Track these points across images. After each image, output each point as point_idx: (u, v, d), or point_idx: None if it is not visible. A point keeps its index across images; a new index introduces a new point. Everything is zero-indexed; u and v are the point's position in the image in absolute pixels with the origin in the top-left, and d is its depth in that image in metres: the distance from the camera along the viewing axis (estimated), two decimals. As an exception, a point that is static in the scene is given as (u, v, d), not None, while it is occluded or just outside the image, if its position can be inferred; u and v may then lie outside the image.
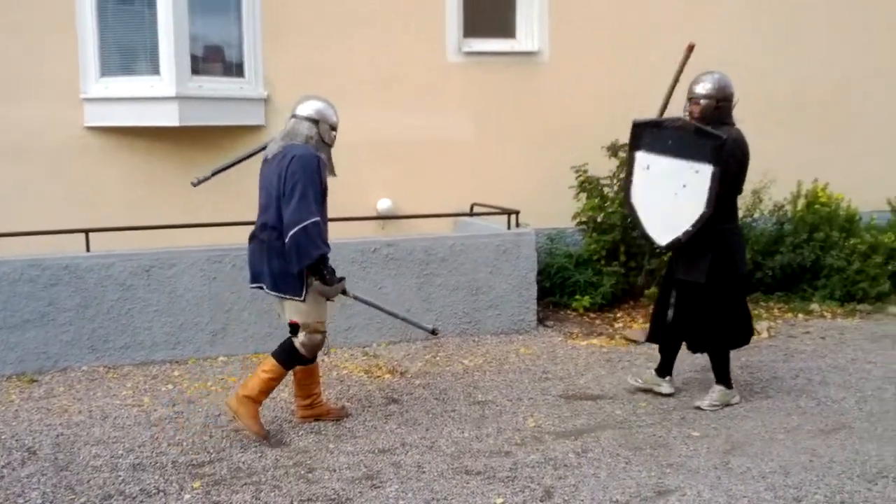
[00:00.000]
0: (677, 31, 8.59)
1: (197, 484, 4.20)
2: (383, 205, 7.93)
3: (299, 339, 4.71)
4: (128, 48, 7.41)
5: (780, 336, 6.91)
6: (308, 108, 4.77)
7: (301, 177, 4.49)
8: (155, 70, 7.23)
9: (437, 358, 6.36)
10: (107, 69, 7.32)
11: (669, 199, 4.95)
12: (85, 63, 7.23)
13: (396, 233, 7.64)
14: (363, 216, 7.55)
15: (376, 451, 4.61)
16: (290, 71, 7.49)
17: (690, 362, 6.19)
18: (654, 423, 5.02)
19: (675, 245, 5.06)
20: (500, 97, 8.26)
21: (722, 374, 5.30)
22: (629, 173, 5.19)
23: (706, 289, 5.07)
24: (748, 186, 7.97)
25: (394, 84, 7.95)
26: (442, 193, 8.01)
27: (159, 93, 7.17)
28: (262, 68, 7.62)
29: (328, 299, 4.80)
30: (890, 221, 8.77)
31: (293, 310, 4.69)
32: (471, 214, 7.85)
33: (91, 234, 6.35)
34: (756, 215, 8.17)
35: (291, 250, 4.48)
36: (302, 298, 4.62)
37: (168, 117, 7.19)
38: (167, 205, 7.24)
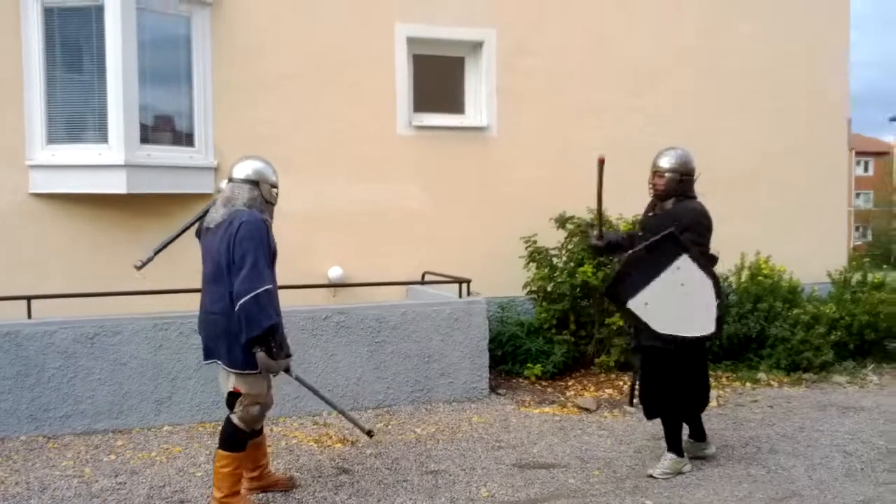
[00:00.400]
0: (619, 109, 8.96)
1: (139, 558, 4.03)
2: (335, 273, 7.91)
3: (237, 414, 4.49)
4: (76, 116, 7.37)
5: (729, 405, 6.97)
6: (246, 170, 4.58)
7: (251, 245, 4.32)
8: (103, 138, 7.19)
9: (389, 427, 6.26)
10: (54, 136, 7.27)
11: (684, 301, 5.01)
12: (31, 130, 7.17)
13: (348, 300, 7.61)
14: (314, 284, 7.51)
15: (327, 522, 4.49)
16: (240, 140, 7.52)
17: (643, 430, 6.21)
18: (607, 491, 4.98)
19: (719, 330, 5.15)
20: (450, 170, 8.40)
21: (673, 442, 5.31)
22: (638, 323, 5.12)
23: (672, 354, 5.13)
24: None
25: (345, 154, 8.04)
26: (393, 262, 8.04)
27: (107, 160, 7.12)
28: (213, 137, 7.65)
29: (259, 372, 4.50)
30: (830, 293, 9.02)
31: (240, 380, 4.48)
32: (422, 283, 7.87)
33: (33, 301, 6.19)
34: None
35: (241, 320, 4.27)
36: (258, 371, 4.42)
37: (116, 185, 7.14)
38: (112, 272, 7.12)
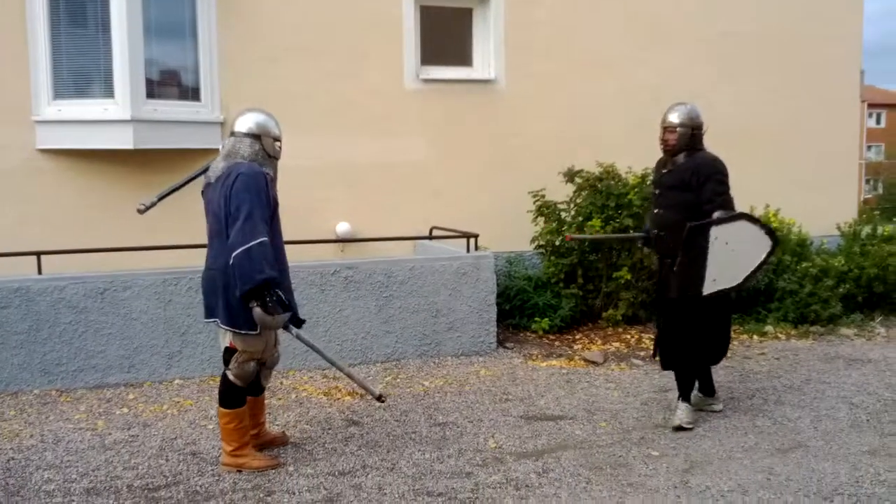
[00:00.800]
0: (628, 61, 8.84)
1: (153, 508, 4.11)
2: (342, 228, 7.91)
3: (232, 371, 4.48)
4: (81, 71, 7.33)
5: (736, 357, 7.00)
6: (248, 123, 4.51)
7: (246, 196, 4.25)
8: (109, 93, 7.16)
9: (398, 380, 6.32)
10: (60, 92, 7.23)
11: (739, 254, 5.12)
12: (37, 86, 7.14)
13: (356, 256, 7.63)
14: (322, 239, 7.53)
15: (336, 473, 4.55)
16: (247, 95, 7.46)
17: (649, 383, 6.25)
18: (613, 442, 5.04)
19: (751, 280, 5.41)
20: (457, 123, 8.34)
21: (686, 393, 5.38)
22: (723, 293, 5.23)
23: (697, 304, 5.18)
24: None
25: (352, 109, 7.98)
26: (401, 217, 8.04)
27: (113, 116, 7.10)
28: (219, 92, 7.59)
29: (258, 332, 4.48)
30: (839, 246, 8.99)
31: (237, 337, 4.45)
32: (430, 238, 7.88)
33: (43, 257, 6.23)
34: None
35: (234, 273, 4.22)
36: (258, 332, 4.41)
37: (122, 140, 7.12)
38: (121, 227, 7.14)
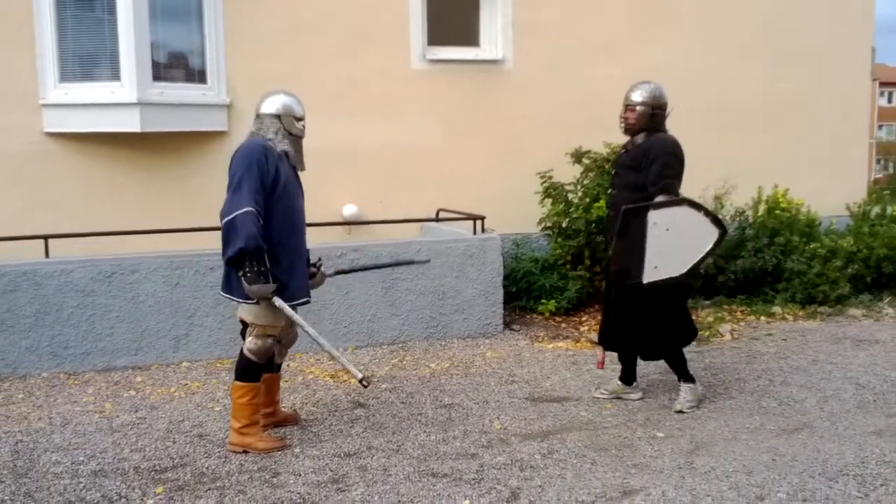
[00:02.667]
0: (636, 42, 8.78)
1: (160, 489, 4.13)
2: (349, 210, 7.91)
3: (247, 345, 4.54)
4: (88, 54, 7.32)
5: (743, 338, 6.99)
6: (270, 105, 4.64)
7: (239, 167, 4.37)
8: (115, 76, 7.14)
9: (404, 362, 6.34)
10: (66, 75, 7.22)
11: (680, 241, 4.89)
12: (43, 69, 7.13)
13: (362, 238, 7.62)
14: (329, 222, 7.53)
15: (342, 454, 4.57)
16: (253, 77, 7.45)
17: (654, 365, 6.23)
18: (619, 424, 5.04)
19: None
20: (464, 104, 8.30)
21: (682, 372, 5.33)
22: (666, 283, 4.97)
23: (648, 292, 5.00)
24: (709, 192, 8.18)
25: (358, 90, 7.95)
26: (408, 199, 8.02)
27: (120, 99, 7.09)
28: (225, 75, 7.57)
29: (256, 302, 4.51)
30: (848, 226, 8.94)
31: (244, 308, 4.55)
32: (437, 220, 7.86)
33: (50, 241, 6.25)
34: (718, 220, 8.28)
35: (222, 241, 4.36)
36: (255, 301, 4.45)
37: (129, 123, 7.11)
38: (128, 211, 7.16)
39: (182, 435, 4.86)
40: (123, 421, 5.09)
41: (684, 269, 4.96)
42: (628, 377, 5.52)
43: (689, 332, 5.41)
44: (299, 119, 4.70)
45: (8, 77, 7.01)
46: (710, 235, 4.98)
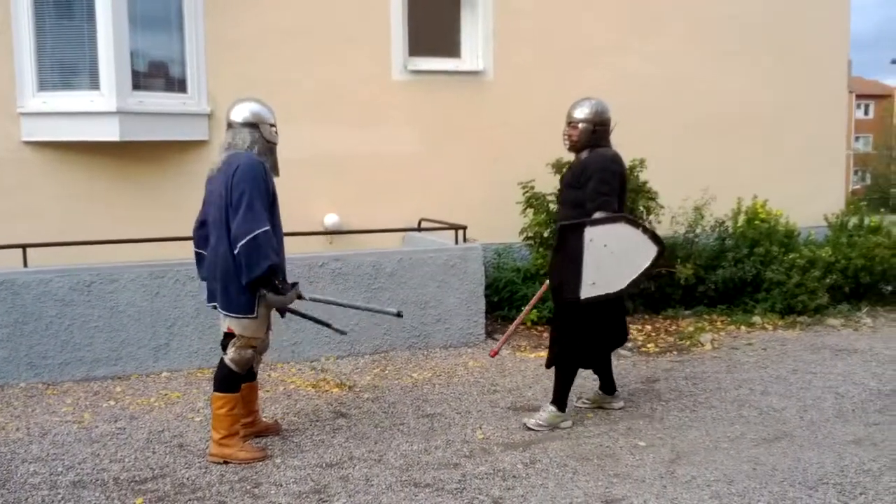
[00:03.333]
0: (618, 51, 8.84)
1: (139, 501, 4.09)
2: (330, 220, 7.89)
3: (229, 355, 4.54)
4: (67, 63, 7.27)
5: (724, 348, 7.03)
6: (243, 113, 4.61)
7: (247, 186, 4.34)
8: (95, 85, 7.10)
9: (386, 372, 6.32)
10: (45, 84, 7.17)
11: (617, 258, 4.87)
12: (22, 77, 7.08)
13: (344, 248, 7.60)
14: (310, 231, 7.51)
15: (324, 465, 4.55)
16: (234, 86, 7.40)
17: (636, 374, 6.27)
18: (601, 433, 5.05)
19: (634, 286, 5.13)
20: (446, 114, 8.32)
21: (560, 396, 5.15)
22: (602, 299, 4.97)
23: (580, 305, 4.95)
24: (689, 203, 8.24)
25: (340, 101, 7.95)
26: (389, 209, 8.01)
27: (99, 107, 7.05)
28: (206, 84, 7.55)
29: (283, 311, 4.73)
30: (827, 237, 9.03)
31: (234, 322, 4.53)
32: (418, 230, 7.86)
33: (28, 250, 6.19)
34: (698, 230, 8.35)
35: (241, 262, 4.33)
36: (255, 316, 4.49)
37: (108, 132, 7.07)
38: (107, 220, 7.11)
39: (162, 445, 4.81)
40: (102, 431, 5.04)
41: (622, 286, 4.94)
42: (608, 386, 5.53)
43: (619, 337, 5.38)
44: (272, 125, 4.71)
45: (-14, 85, 6.95)
46: (648, 252, 4.93)
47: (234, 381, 4.58)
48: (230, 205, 4.38)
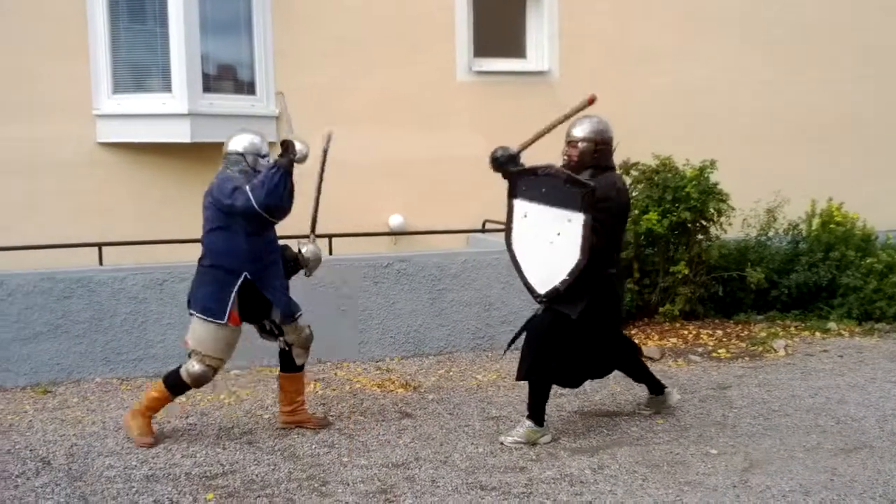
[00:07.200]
0: (684, 52, 8.68)
1: (210, 496, 4.15)
2: (395, 221, 7.91)
3: (186, 366, 4.75)
4: (140, 66, 7.44)
5: (798, 354, 6.83)
6: (236, 144, 4.89)
7: (225, 192, 4.73)
8: (167, 87, 7.26)
9: (451, 373, 6.31)
10: (119, 86, 7.35)
11: (546, 247, 4.72)
12: (97, 80, 7.27)
13: (409, 249, 7.62)
14: (375, 232, 7.54)
15: (390, 465, 4.55)
16: (301, 89, 7.51)
17: (707, 380, 6.14)
18: (671, 440, 4.95)
19: (553, 295, 4.75)
20: (510, 115, 8.24)
21: (535, 410, 4.91)
22: (509, 220, 4.95)
23: (569, 323, 4.76)
24: (761, 205, 8.04)
25: (404, 102, 7.97)
26: (454, 210, 7.99)
27: (171, 110, 7.19)
28: (273, 86, 7.63)
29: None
30: (906, 241, 8.71)
31: (192, 332, 4.77)
32: (483, 231, 7.83)
33: (104, 248, 6.36)
34: (770, 234, 8.15)
35: (273, 185, 4.62)
36: (224, 321, 4.68)
37: (180, 134, 7.21)
38: (178, 219, 7.21)
39: (232, 441, 4.88)
40: (175, 426, 5.13)
41: (573, 262, 4.60)
42: (654, 387, 5.36)
43: (577, 376, 5.05)
44: (263, 156, 4.91)
45: (63, 88, 7.14)
46: (572, 201, 4.61)
47: (178, 387, 4.82)
48: (218, 215, 4.79)
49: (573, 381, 5.10)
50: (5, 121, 7.06)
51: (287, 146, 4.72)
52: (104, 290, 6.07)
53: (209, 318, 4.69)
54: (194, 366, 4.73)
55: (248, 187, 4.64)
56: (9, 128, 7.05)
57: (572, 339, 4.82)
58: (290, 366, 5.01)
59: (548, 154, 5.25)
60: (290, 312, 4.89)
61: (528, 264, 4.88)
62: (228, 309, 4.68)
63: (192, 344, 4.76)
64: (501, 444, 4.88)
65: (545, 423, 4.96)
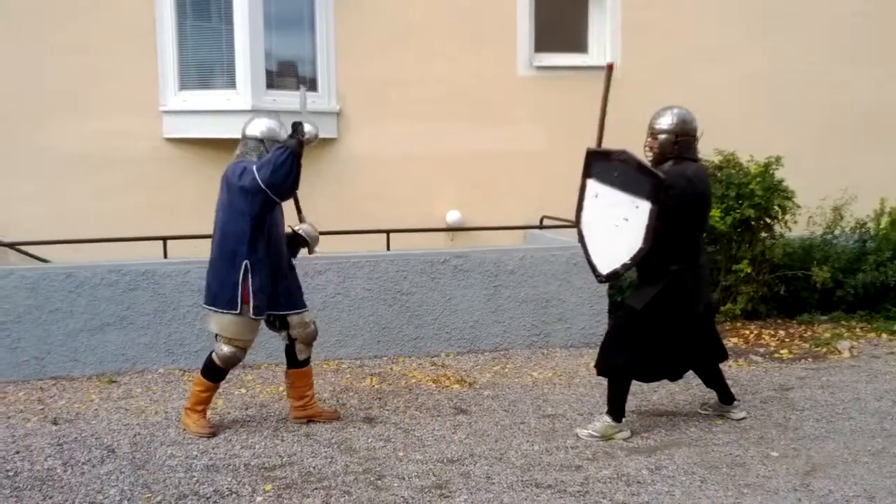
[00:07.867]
0: (747, 44, 8.51)
1: (269, 487, 4.23)
2: (452, 217, 7.93)
3: (215, 349, 4.83)
4: (205, 63, 7.62)
5: (863, 356, 6.65)
6: (254, 129, 4.90)
7: (238, 173, 4.69)
8: (231, 84, 7.41)
9: (506, 370, 6.30)
10: (185, 83, 7.53)
11: (612, 230, 4.73)
12: (164, 77, 7.45)
13: (466, 245, 7.63)
14: (432, 228, 7.57)
15: (445, 460, 4.58)
16: (362, 85, 7.59)
17: (769, 381, 6.02)
18: (730, 441, 4.87)
19: (614, 277, 4.86)
20: (570, 111, 8.20)
21: (615, 405, 4.92)
22: (581, 199, 4.98)
23: (638, 316, 4.80)
24: (828, 202, 7.84)
25: (464, 97, 7.98)
26: (512, 206, 7.99)
27: (236, 106, 7.34)
28: (335, 82, 7.73)
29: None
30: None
31: (214, 321, 4.81)
32: (541, 227, 7.80)
33: (169, 242, 6.51)
34: (836, 232, 7.94)
35: (280, 164, 4.61)
36: (238, 312, 4.71)
37: (244, 129, 7.34)
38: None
39: (290, 434, 4.96)
40: (234, 418, 5.24)
41: (636, 248, 4.60)
42: (725, 397, 5.27)
43: (656, 371, 5.02)
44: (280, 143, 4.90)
45: (132, 85, 7.34)
46: (642, 189, 4.61)
47: (215, 372, 4.89)
48: (231, 202, 4.74)
49: (649, 376, 5.10)
50: (77, 118, 7.30)
51: (296, 127, 4.72)
52: (168, 283, 6.21)
53: (223, 311, 4.75)
54: (222, 348, 4.81)
55: (254, 167, 4.66)
56: (80, 124, 7.28)
57: (645, 335, 4.83)
58: (294, 361, 5.09)
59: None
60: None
61: (594, 244, 4.91)
62: (240, 299, 4.71)
63: (215, 329, 4.83)
64: (576, 434, 4.90)
65: (624, 420, 4.96)
